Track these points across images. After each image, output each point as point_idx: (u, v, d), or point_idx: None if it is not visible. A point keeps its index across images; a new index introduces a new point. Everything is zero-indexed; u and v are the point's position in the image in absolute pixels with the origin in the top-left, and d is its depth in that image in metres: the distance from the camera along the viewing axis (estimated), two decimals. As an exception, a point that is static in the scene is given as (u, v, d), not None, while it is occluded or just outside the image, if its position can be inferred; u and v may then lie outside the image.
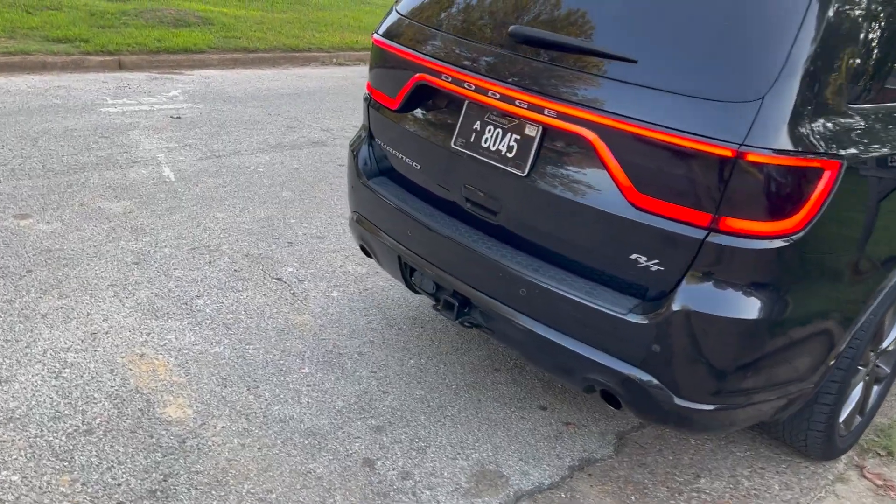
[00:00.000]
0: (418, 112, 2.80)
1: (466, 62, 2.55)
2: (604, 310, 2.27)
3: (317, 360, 3.19)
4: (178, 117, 6.48)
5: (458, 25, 2.66)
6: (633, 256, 2.24)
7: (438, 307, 2.80)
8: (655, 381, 2.26)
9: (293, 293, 3.70)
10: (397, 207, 2.83)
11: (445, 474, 2.63)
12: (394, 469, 2.62)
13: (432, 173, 2.77)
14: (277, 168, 5.48)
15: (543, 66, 2.37)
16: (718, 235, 2.10)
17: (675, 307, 2.16)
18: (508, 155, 2.46)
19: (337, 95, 7.98)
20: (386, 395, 3.02)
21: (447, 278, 2.69)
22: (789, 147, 2.00)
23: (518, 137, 2.44)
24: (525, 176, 2.41)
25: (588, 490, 2.64)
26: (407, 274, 2.92)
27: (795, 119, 2.02)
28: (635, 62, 2.19)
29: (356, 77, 9.15)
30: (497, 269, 2.49)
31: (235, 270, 3.86)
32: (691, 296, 2.16)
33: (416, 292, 2.99)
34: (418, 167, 2.81)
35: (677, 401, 2.27)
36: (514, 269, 2.46)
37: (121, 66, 8.60)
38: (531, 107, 2.34)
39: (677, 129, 2.08)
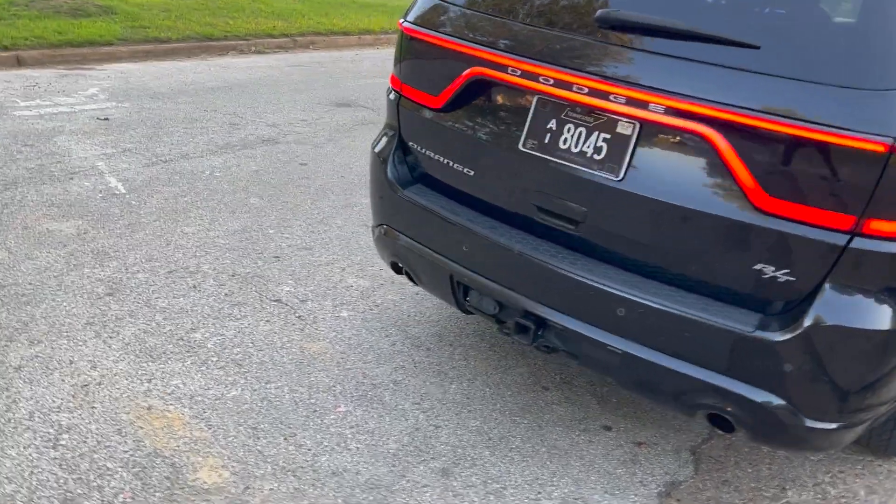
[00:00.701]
0: (471, 111, 2.46)
1: (538, 52, 2.24)
2: (725, 327, 2.02)
3: (350, 394, 2.82)
4: (106, 119, 5.83)
5: (520, 10, 2.34)
6: (758, 267, 2.00)
7: (507, 330, 2.49)
8: (784, 403, 2.04)
9: (299, 316, 3.30)
10: (448, 220, 2.50)
11: (534, 519, 2.34)
12: (479, 520, 2.31)
13: (492, 180, 2.45)
14: (235, 171, 4.98)
15: (639, 55, 2.09)
16: (862, 240, 1.88)
17: (813, 321, 1.94)
18: (596, 157, 2.17)
19: (270, 87, 7.45)
20: (439, 429, 2.69)
21: (518, 298, 2.39)
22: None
23: (608, 137, 2.15)
24: (619, 180, 2.12)
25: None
26: (460, 294, 2.58)
27: None
28: (758, 48, 1.93)
29: (284, 66, 8.60)
30: (586, 288, 2.21)
31: (226, 294, 3.42)
32: (831, 308, 1.94)
33: (469, 313, 2.67)
34: (472, 173, 2.48)
35: (808, 423, 2.05)
36: (608, 287, 2.18)
37: (20, 63, 7.75)
38: (628, 101, 2.05)
39: (816, 123, 1.84)
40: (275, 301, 3.41)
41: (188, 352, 2.97)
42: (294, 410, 2.70)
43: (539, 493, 2.45)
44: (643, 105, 2.05)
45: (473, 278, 2.48)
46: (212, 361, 2.92)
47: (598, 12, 2.13)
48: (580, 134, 2.20)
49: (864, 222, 1.87)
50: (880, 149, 1.79)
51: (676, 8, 2.09)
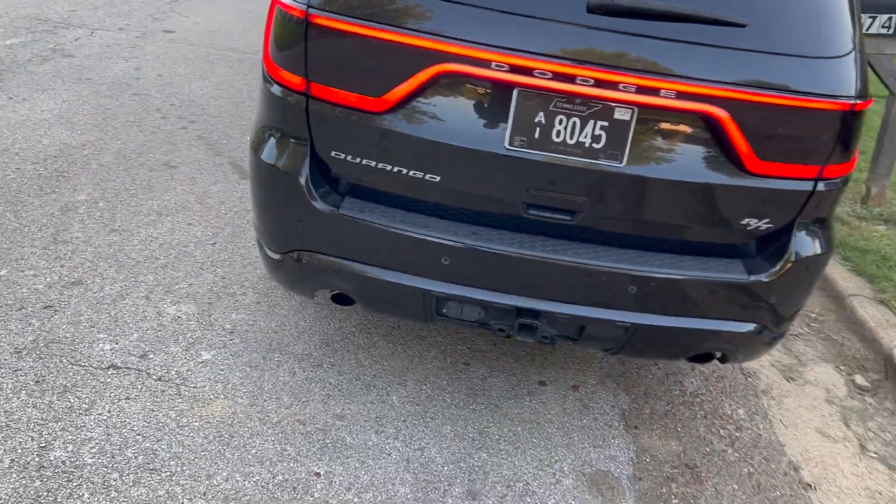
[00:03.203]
0: (432, 112, 2.15)
1: (516, 42, 2.05)
2: (724, 280, 2.27)
3: (311, 453, 2.42)
4: None
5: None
6: (745, 221, 2.26)
7: (503, 332, 2.38)
8: (760, 326, 2.40)
9: (158, 378, 2.63)
10: (416, 235, 2.23)
11: (570, 500, 2.40)
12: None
13: (468, 183, 2.22)
14: None
15: (631, 39, 2.07)
16: (822, 183, 2.25)
17: (791, 258, 2.29)
18: (596, 146, 2.13)
19: None
20: (426, 450, 2.51)
21: (516, 300, 2.29)
22: (867, 93, 2.22)
23: (605, 125, 2.12)
24: (623, 166, 2.14)
25: (653, 441, 2.72)
26: (431, 308, 2.36)
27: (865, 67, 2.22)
28: (745, 26, 2.07)
29: None
30: (594, 274, 2.24)
31: (37, 383, 2.53)
32: (800, 244, 2.31)
33: (430, 323, 2.46)
34: (437, 179, 2.21)
35: (773, 336, 2.46)
36: (617, 268, 2.24)
37: None
38: (625, 87, 2.04)
39: (794, 91, 2.10)
40: (109, 368, 2.64)
41: (75, 483, 2.18)
42: (274, 499, 2.24)
43: (554, 475, 2.50)
44: (639, 89, 2.05)
45: (457, 290, 2.29)
46: (114, 483, 2.21)
47: (592, -2, 2.02)
48: (574, 125, 2.12)
49: (824, 168, 2.22)
50: (845, 107, 2.13)
51: None
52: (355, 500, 2.27)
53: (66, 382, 2.54)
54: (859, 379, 3.32)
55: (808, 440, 2.90)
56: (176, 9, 7.59)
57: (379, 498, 2.29)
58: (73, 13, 6.94)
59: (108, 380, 2.58)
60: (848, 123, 2.15)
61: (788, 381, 3.24)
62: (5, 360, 2.59)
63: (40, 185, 3.78)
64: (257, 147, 2.35)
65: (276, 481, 2.29)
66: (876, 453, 2.90)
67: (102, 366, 2.64)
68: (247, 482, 2.27)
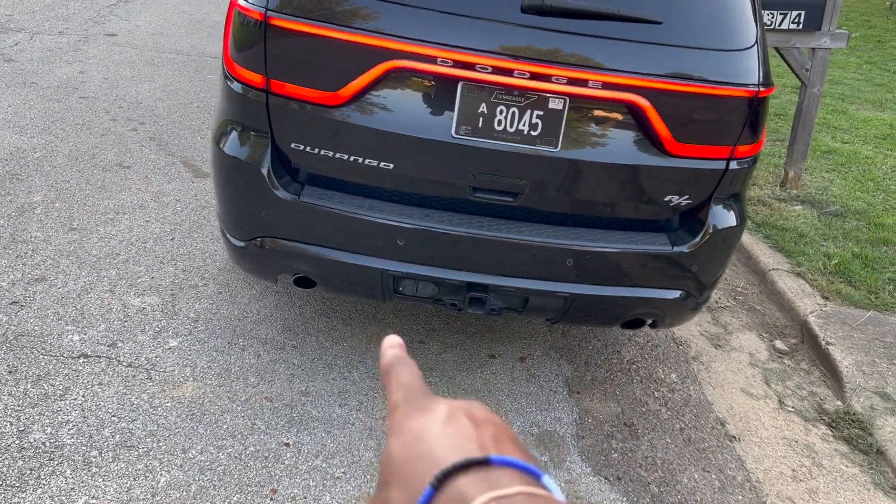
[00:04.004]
0: (384, 104, 2.35)
1: (459, 40, 2.26)
2: (650, 251, 2.53)
3: (279, 426, 2.60)
4: None
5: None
6: (667, 198, 2.52)
7: (455, 306, 2.59)
8: (685, 293, 2.67)
9: (129, 364, 2.76)
10: (371, 219, 2.42)
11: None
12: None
13: (419, 170, 2.43)
14: None
15: (561, 37, 2.31)
16: (733, 162, 2.53)
17: (710, 230, 2.56)
18: (533, 133, 2.37)
19: None
20: (387, 419, 2.70)
21: (466, 276, 2.51)
22: (770, 82, 2.51)
23: (541, 114, 2.35)
24: (558, 150, 2.38)
25: (593, 404, 2.97)
26: (388, 287, 2.56)
27: (767, 58, 2.51)
28: (661, 23, 2.33)
29: None
30: (534, 249, 2.47)
31: (10, 372, 2.64)
32: (716, 217, 2.59)
33: (388, 300, 2.66)
34: (391, 167, 2.41)
35: (697, 301, 2.74)
36: (556, 244, 2.47)
37: None
38: (557, 80, 2.28)
39: (707, 80, 2.37)
40: (80, 357, 2.76)
41: (57, 461, 2.31)
42: (248, 468, 2.40)
43: (505, 435, 2.72)
44: (570, 81, 2.29)
45: (413, 269, 2.49)
46: (94, 460, 2.35)
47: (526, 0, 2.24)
48: (513, 114, 2.35)
49: (735, 149, 2.50)
50: (750, 93, 2.41)
51: None
52: (323, 465, 2.46)
53: (39, 372, 2.65)
54: (779, 344, 3.64)
55: (734, 399, 3.19)
56: (116, 12, 7.59)
57: (345, 462, 2.48)
58: (10, 17, 6.90)
59: (80, 367, 2.70)
60: (754, 108, 2.43)
61: (716, 349, 3.53)
62: (-23, 353, 2.69)
63: (-6, 187, 3.84)
64: (219, 140, 2.51)
65: (248, 452, 2.46)
66: (793, 408, 3.21)
67: (73, 355, 2.76)
68: (220, 454, 2.43)
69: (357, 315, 3.25)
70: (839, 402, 3.25)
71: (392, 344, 0.60)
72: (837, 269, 4.05)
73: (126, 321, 2.98)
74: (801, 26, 4.44)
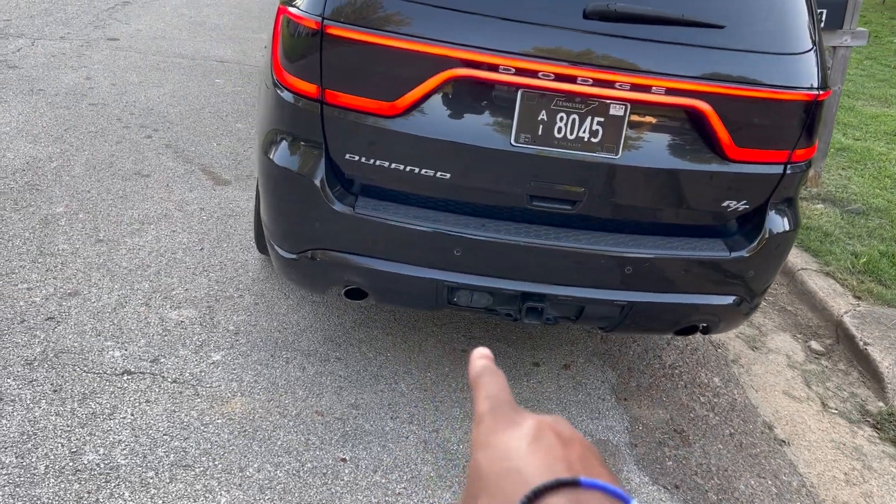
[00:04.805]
0: (443, 114, 2.30)
1: (520, 47, 2.22)
2: (708, 258, 2.51)
3: (334, 440, 2.55)
4: None
5: (489, 3, 2.23)
6: (725, 203, 2.50)
7: (511, 316, 2.55)
8: (745, 300, 2.65)
9: (174, 381, 2.70)
10: (428, 229, 2.38)
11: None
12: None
13: (477, 179, 2.39)
14: None
15: (623, 42, 2.27)
16: (791, 167, 2.51)
17: (766, 235, 2.54)
18: (594, 140, 2.33)
19: None
20: (440, 431, 2.67)
21: (522, 285, 2.47)
22: (828, 85, 2.49)
23: (602, 120, 2.32)
24: (618, 157, 2.35)
25: (642, 411, 2.95)
26: (443, 297, 2.51)
27: (825, 62, 2.49)
28: (723, 27, 2.30)
29: None
30: (593, 258, 2.44)
31: (55, 391, 2.57)
32: (773, 222, 2.57)
33: (440, 310, 2.62)
34: (447, 176, 2.37)
35: (751, 307, 2.72)
36: (614, 252, 2.44)
37: None
38: (618, 85, 2.25)
39: (767, 84, 2.34)
40: (124, 374, 2.70)
41: (113, 483, 2.25)
42: (308, 486, 2.36)
43: (560, 445, 2.69)
44: (633, 87, 2.26)
45: (469, 279, 2.45)
46: (151, 481, 2.29)
47: (591, 5, 2.21)
48: (574, 121, 2.31)
49: (793, 153, 2.48)
50: (811, 97, 2.38)
51: None
52: (383, 480, 2.41)
53: (84, 390, 2.59)
54: (814, 345, 3.63)
55: (777, 402, 3.18)
56: (115, 16, 7.48)
57: (405, 477, 2.44)
58: (9, 23, 6.79)
59: (125, 385, 2.64)
60: (812, 112, 2.41)
61: (753, 350, 3.52)
62: (18, 371, 2.62)
63: (14, 199, 3.76)
64: (268, 150, 2.46)
65: (305, 469, 2.41)
66: (836, 409, 3.20)
67: (116, 372, 2.69)
68: (278, 471, 2.38)
69: (396, 324, 3.21)
70: (881, 403, 3.24)
71: (481, 355, 0.60)
72: (866, 267, 4.05)
73: (165, 335, 2.92)
74: (822, 25, 4.43)
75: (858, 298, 3.83)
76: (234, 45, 6.97)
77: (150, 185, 4.09)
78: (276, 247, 2.58)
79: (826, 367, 3.49)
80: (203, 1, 8.51)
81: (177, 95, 5.51)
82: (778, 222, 2.56)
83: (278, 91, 2.40)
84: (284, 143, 2.43)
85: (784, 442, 2.94)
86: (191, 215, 3.83)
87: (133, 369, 2.72)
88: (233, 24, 7.74)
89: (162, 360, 2.78)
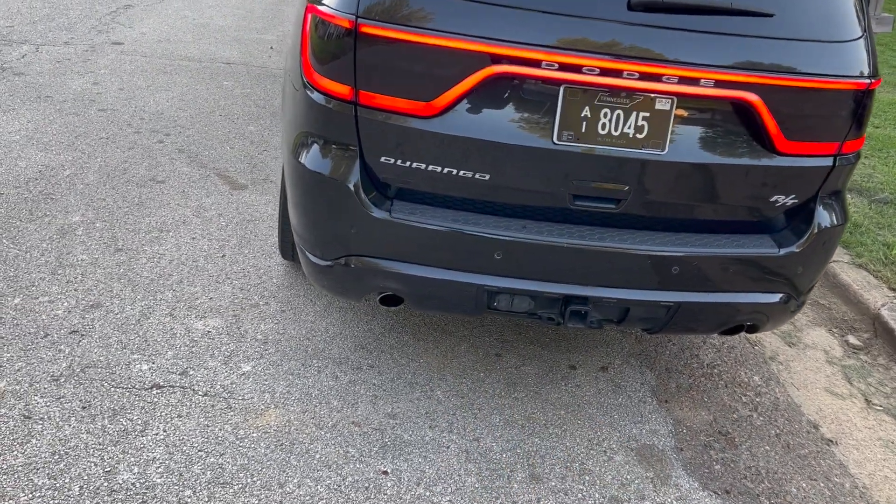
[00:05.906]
0: (482, 113, 2.22)
1: (561, 41, 2.13)
2: (758, 255, 2.42)
3: (373, 452, 2.47)
4: None
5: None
6: (774, 198, 2.41)
7: (554, 320, 2.47)
8: (792, 297, 2.56)
9: (205, 394, 2.62)
10: (467, 233, 2.30)
11: (626, 475, 2.52)
12: (604, 488, 2.40)
13: (518, 180, 2.30)
14: None
15: (667, 33, 2.18)
16: (840, 159, 2.42)
17: (816, 230, 2.45)
18: (639, 136, 2.24)
19: None
20: (482, 440, 2.58)
21: (566, 288, 2.39)
22: (878, 73, 2.40)
23: (647, 115, 2.23)
24: (664, 153, 2.26)
25: (685, 413, 2.87)
26: (483, 302, 2.43)
27: (875, 49, 2.40)
28: (772, 15, 2.21)
29: None
30: (638, 258, 2.35)
31: (84, 407, 2.49)
32: (822, 217, 2.48)
33: (479, 315, 2.53)
34: (486, 177, 2.28)
35: (797, 304, 2.63)
36: (659, 251, 2.36)
37: None
38: (664, 79, 2.16)
39: (817, 74, 2.25)
40: (153, 388, 2.62)
41: (150, 504, 2.17)
42: (350, 501, 2.27)
43: (605, 452, 2.61)
44: (680, 80, 2.17)
45: (510, 283, 2.36)
46: (189, 500, 2.20)
47: (633, -5, 2.11)
48: (618, 117, 2.22)
49: (843, 144, 2.39)
50: (862, 86, 2.30)
51: None
52: (427, 493, 2.33)
53: (114, 406, 2.51)
54: (852, 339, 3.55)
55: (820, 399, 3.10)
56: (117, 20, 7.39)
57: (449, 489, 2.36)
58: (12, 29, 6.70)
59: (155, 399, 2.56)
60: (863, 101, 2.32)
61: (790, 347, 3.43)
62: (45, 388, 2.54)
63: (29, 209, 3.68)
64: (298, 154, 2.37)
65: (346, 483, 2.33)
66: (881, 406, 3.11)
67: (145, 386, 2.61)
68: (319, 486, 2.30)
69: (426, 328, 3.12)
70: (926, 399, 3.16)
71: None
72: (900, 259, 3.96)
73: (193, 346, 2.84)
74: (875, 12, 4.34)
75: (894, 290, 3.74)
76: (240, 47, 6.88)
77: (165, 192, 4.00)
78: (307, 254, 2.49)
79: (866, 361, 3.41)
80: (205, 2, 8.42)
81: (186, 99, 5.42)
82: (826, 216, 2.48)
83: (308, 93, 2.31)
84: (316, 147, 2.35)
85: (832, 441, 2.85)
86: (209, 221, 3.75)
87: (162, 383, 2.63)
88: (237, 26, 7.64)
89: (191, 373, 2.70)
